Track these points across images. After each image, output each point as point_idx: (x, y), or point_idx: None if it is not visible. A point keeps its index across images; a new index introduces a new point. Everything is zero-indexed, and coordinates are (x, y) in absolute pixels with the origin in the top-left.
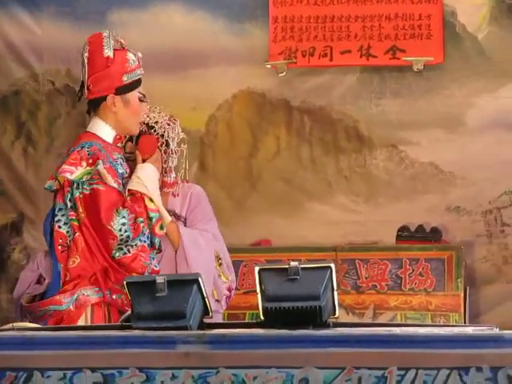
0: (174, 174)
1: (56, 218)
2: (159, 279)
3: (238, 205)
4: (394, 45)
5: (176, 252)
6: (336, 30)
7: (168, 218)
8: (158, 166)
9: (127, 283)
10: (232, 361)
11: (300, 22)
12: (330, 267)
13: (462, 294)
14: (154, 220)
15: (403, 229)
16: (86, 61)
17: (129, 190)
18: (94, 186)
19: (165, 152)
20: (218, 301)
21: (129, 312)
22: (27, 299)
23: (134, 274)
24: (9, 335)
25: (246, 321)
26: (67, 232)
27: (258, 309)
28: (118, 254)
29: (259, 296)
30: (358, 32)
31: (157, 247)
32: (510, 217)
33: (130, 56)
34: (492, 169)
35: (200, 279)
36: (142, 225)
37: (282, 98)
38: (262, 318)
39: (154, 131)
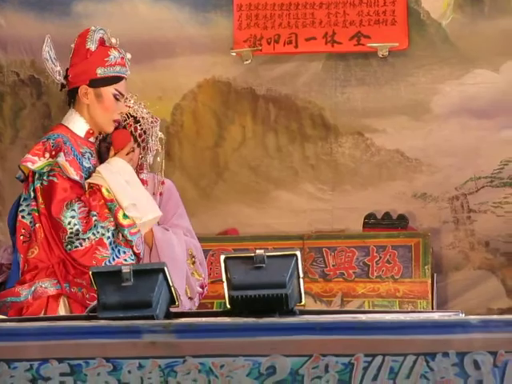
0: (146, 172)
1: (20, 208)
2: (125, 269)
3: (205, 194)
4: (359, 31)
5: (150, 251)
6: (301, 16)
7: (155, 213)
8: (132, 159)
9: (93, 273)
10: (199, 350)
11: (265, 10)
12: (295, 255)
13: (430, 281)
14: (113, 210)
15: (370, 216)
16: (71, 52)
17: (88, 183)
18: (51, 178)
19: (143, 148)
20: (190, 298)
21: (95, 302)
22: None
23: (87, 268)
24: None
25: (214, 310)
26: (30, 222)
27: (225, 298)
28: (68, 247)
29: (225, 284)
30: (322, 19)
31: (128, 239)
32: (476, 203)
33: (113, 52)
34: (458, 155)
35: (166, 268)
36: (94, 218)
37: (248, 87)
38: (229, 306)
39: (139, 125)
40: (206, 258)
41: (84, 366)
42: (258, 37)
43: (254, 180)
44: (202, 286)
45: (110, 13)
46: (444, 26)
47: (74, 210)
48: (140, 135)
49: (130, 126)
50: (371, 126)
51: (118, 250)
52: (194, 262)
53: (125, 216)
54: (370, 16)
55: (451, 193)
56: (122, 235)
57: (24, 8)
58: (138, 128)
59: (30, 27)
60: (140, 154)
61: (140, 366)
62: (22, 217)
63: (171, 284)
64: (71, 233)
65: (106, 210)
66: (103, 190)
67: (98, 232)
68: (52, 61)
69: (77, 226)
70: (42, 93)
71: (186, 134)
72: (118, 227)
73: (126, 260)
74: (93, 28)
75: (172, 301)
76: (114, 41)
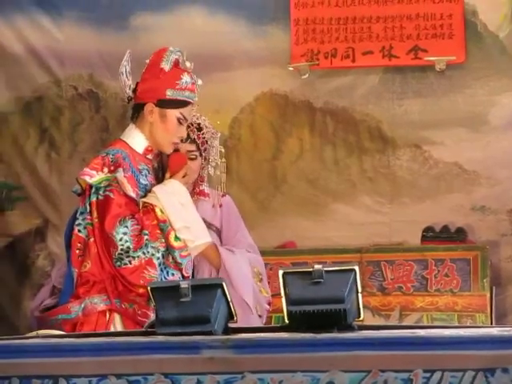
0: (207, 184)
1: (77, 222)
2: (183, 284)
3: (263, 207)
4: (416, 45)
5: (217, 273)
6: (357, 31)
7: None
8: (188, 182)
9: (151, 288)
10: (257, 365)
11: (321, 24)
12: (354, 270)
13: (488, 294)
14: (165, 231)
15: (428, 229)
16: (144, 67)
17: (142, 202)
18: (107, 193)
19: (205, 158)
20: (260, 316)
21: (153, 318)
22: (41, 310)
23: (134, 286)
24: (34, 343)
25: (272, 324)
26: (85, 236)
27: (283, 312)
28: (118, 264)
29: (283, 299)
30: (379, 33)
31: (178, 261)
32: None
33: (185, 76)
34: None
35: (224, 283)
36: (145, 237)
37: (305, 100)
38: (287, 321)
39: (202, 133)
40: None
41: (142, 381)
42: (315, 51)
43: (312, 193)
44: (268, 303)
45: (167, 26)
46: (501, 38)
47: (126, 226)
48: (202, 143)
49: (193, 132)
50: (429, 139)
51: (167, 272)
52: (260, 280)
53: (176, 238)
54: (427, 29)
55: (510, 205)
56: (172, 257)
57: (82, 22)
58: (201, 136)
59: (88, 41)
60: (202, 164)
61: (198, 382)
62: (78, 230)
63: (229, 299)
64: (122, 249)
65: (158, 231)
66: (157, 210)
67: (148, 252)
68: (126, 75)
69: (128, 243)
70: (100, 106)
71: (244, 147)
72: (169, 249)
73: None
74: (171, 48)
75: (230, 316)
76: (188, 64)
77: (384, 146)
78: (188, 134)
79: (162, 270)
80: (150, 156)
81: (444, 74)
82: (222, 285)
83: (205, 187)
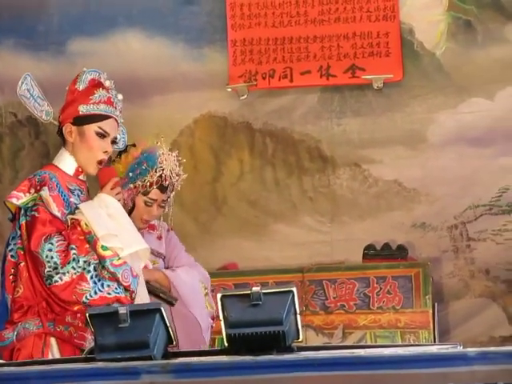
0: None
1: (9, 248)
2: (121, 309)
3: (204, 229)
4: (353, 63)
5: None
6: (295, 51)
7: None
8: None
9: (89, 315)
10: None
11: (259, 45)
12: (291, 291)
13: (431, 311)
14: (91, 242)
15: (369, 247)
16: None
17: (69, 218)
18: (33, 213)
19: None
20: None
21: (92, 344)
22: None
23: (67, 303)
24: None
25: (216, 346)
26: (17, 261)
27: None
28: (48, 282)
29: (222, 322)
30: (317, 52)
31: (111, 271)
32: (476, 231)
33: (99, 91)
34: (455, 184)
35: (162, 308)
36: (72, 251)
37: (244, 121)
38: (226, 344)
39: (178, 177)
40: None
41: None
42: (253, 72)
43: (253, 214)
44: (212, 318)
45: (104, 51)
46: (438, 56)
47: (51, 243)
48: (173, 189)
49: (170, 182)
50: (368, 157)
51: (102, 284)
52: (206, 294)
53: (104, 247)
54: (364, 48)
55: (450, 222)
56: (103, 267)
57: (19, 48)
58: (175, 184)
59: (26, 67)
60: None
61: None
62: (11, 256)
63: (168, 324)
64: (49, 266)
65: (87, 244)
66: (82, 224)
67: (80, 266)
68: (35, 99)
69: (54, 259)
70: (39, 132)
71: (184, 169)
72: (100, 259)
73: (109, 294)
74: (84, 69)
75: (170, 341)
76: (108, 83)
77: (324, 166)
78: (168, 185)
79: (95, 283)
80: (81, 177)
81: (382, 92)
82: (160, 310)
83: (156, 221)
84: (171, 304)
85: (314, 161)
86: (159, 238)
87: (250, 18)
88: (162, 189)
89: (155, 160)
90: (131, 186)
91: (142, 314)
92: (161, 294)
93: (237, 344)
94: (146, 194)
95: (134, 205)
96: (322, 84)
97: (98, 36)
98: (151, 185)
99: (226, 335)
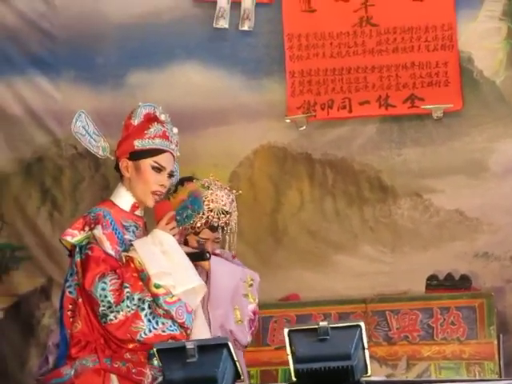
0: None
1: (67, 284)
2: (189, 345)
3: (265, 260)
4: (412, 93)
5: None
6: (353, 81)
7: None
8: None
9: (157, 350)
10: None
11: (317, 75)
12: (359, 325)
13: (496, 342)
14: (144, 280)
15: (432, 278)
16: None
17: (124, 256)
18: (87, 251)
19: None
20: (240, 321)
21: (160, 379)
22: (38, 377)
23: (122, 341)
24: None
25: (279, 378)
26: (76, 297)
27: (289, 366)
28: (103, 320)
29: (290, 358)
30: (375, 82)
31: (165, 309)
32: None
33: (154, 126)
34: None
35: (229, 343)
36: (126, 290)
37: (303, 152)
38: (294, 379)
39: (229, 215)
40: (268, 325)
41: None
42: (311, 102)
43: (314, 244)
44: (254, 313)
45: (163, 83)
46: (498, 84)
47: (105, 282)
48: (226, 225)
49: (221, 220)
50: (429, 187)
51: (156, 322)
52: (251, 285)
53: (156, 285)
54: (423, 78)
55: None
56: (157, 305)
57: (79, 81)
58: (227, 222)
59: (85, 100)
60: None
61: None
62: (69, 292)
63: (236, 358)
64: (103, 305)
65: (141, 283)
66: (135, 262)
67: (134, 304)
68: (90, 136)
69: (108, 298)
70: (99, 165)
71: (244, 200)
72: (153, 297)
73: (164, 331)
74: (140, 104)
75: (237, 375)
76: (163, 117)
77: (384, 196)
78: (217, 225)
79: (149, 321)
80: (138, 212)
81: (441, 121)
82: (227, 344)
83: (216, 249)
84: (206, 258)
85: (374, 191)
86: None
87: (308, 49)
88: (212, 228)
89: (201, 203)
90: (180, 227)
91: (209, 349)
92: (192, 253)
93: (305, 379)
94: (196, 234)
95: (186, 243)
96: (380, 114)
97: (157, 68)
98: (200, 226)
99: (295, 370)
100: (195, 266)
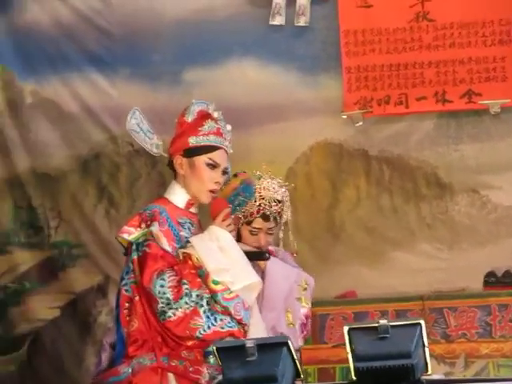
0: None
1: (123, 282)
2: (249, 343)
3: (322, 257)
4: (470, 89)
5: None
6: (410, 77)
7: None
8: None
9: (217, 348)
10: None
11: (374, 71)
12: (419, 323)
13: None
14: (203, 276)
15: (490, 274)
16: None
17: (181, 253)
18: (144, 248)
19: (277, 224)
20: (292, 324)
21: (220, 378)
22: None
23: (181, 338)
24: None
25: (337, 377)
26: (132, 295)
27: (347, 362)
28: (162, 317)
29: (349, 356)
30: (432, 78)
31: (223, 305)
32: None
33: (208, 123)
34: None
35: (289, 342)
36: (185, 286)
37: (360, 148)
38: (354, 377)
39: (281, 208)
40: (325, 323)
41: None
42: (368, 98)
43: (371, 241)
44: (306, 317)
45: (219, 80)
46: None
47: (163, 279)
48: (280, 216)
49: (276, 212)
50: (487, 183)
51: (215, 318)
52: (305, 289)
53: (215, 281)
54: (480, 73)
55: None
56: (215, 301)
57: (135, 78)
58: (281, 211)
59: (142, 97)
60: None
61: None
62: (125, 290)
63: (295, 357)
64: (162, 302)
65: (199, 279)
66: (193, 258)
67: (193, 301)
68: (145, 133)
69: (167, 295)
70: (156, 162)
71: (301, 197)
72: (211, 294)
73: (222, 328)
74: (193, 101)
75: (297, 374)
76: (216, 114)
77: (441, 192)
78: (269, 214)
79: (208, 317)
80: (192, 209)
81: (499, 117)
82: (287, 343)
83: (271, 245)
84: (265, 258)
85: (431, 187)
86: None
87: (364, 45)
88: (265, 217)
89: (252, 191)
90: (232, 216)
91: (269, 348)
92: (252, 252)
93: (365, 377)
94: (249, 223)
95: (239, 235)
96: (437, 110)
97: (213, 65)
98: (252, 214)
99: (355, 369)
100: (252, 264)
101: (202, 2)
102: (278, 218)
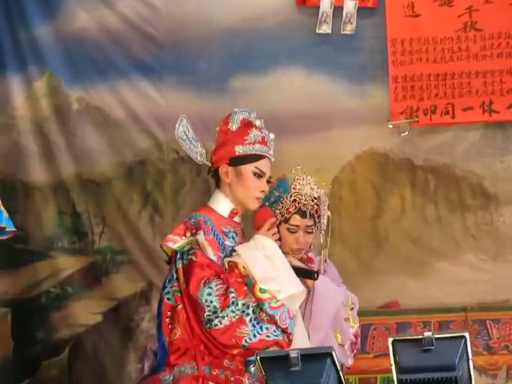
0: (313, 250)
1: (165, 290)
2: (293, 353)
3: (365, 266)
4: None
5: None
6: (457, 86)
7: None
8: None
9: (261, 358)
10: None
11: (420, 81)
12: (464, 336)
13: None
14: (249, 285)
15: None
16: (217, 134)
17: (227, 261)
18: (190, 257)
19: (317, 228)
20: (341, 345)
21: None
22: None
23: (227, 346)
24: None
25: None
26: (174, 303)
27: (389, 372)
28: (208, 326)
29: (393, 367)
30: (479, 88)
31: (269, 314)
32: None
33: (253, 131)
34: None
35: (333, 353)
36: (231, 295)
37: (405, 158)
38: None
39: (319, 207)
40: (368, 332)
41: None
42: (414, 108)
43: (415, 251)
44: (355, 336)
45: (266, 88)
46: None
47: (210, 287)
48: (318, 216)
49: (312, 207)
50: None
51: (260, 327)
52: (352, 309)
53: (262, 290)
54: None
55: None
56: (261, 310)
57: (181, 86)
58: (319, 210)
59: (188, 104)
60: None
61: None
62: (168, 298)
63: (339, 368)
64: (209, 310)
65: (245, 287)
66: (240, 267)
67: (239, 309)
68: (190, 141)
69: (214, 303)
70: (201, 169)
71: (345, 206)
72: (258, 302)
73: (268, 336)
74: (236, 109)
75: None
76: (258, 122)
77: (487, 203)
78: (306, 210)
79: (254, 326)
80: (236, 219)
81: None
82: (331, 354)
83: (311, 253)
84: (314, 277)
85: (476, 198)
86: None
87: (411, 54)
88: (302, 214)
89: (288, 186)
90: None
91: (313, 358)
92: (301, 268)
93: None
94: (286, 221)
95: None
96: (484, 120)
97: (260, 73)
98: (288, 211)
99: (398, 380)
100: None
101: (251, 9)
102: (316, 217)
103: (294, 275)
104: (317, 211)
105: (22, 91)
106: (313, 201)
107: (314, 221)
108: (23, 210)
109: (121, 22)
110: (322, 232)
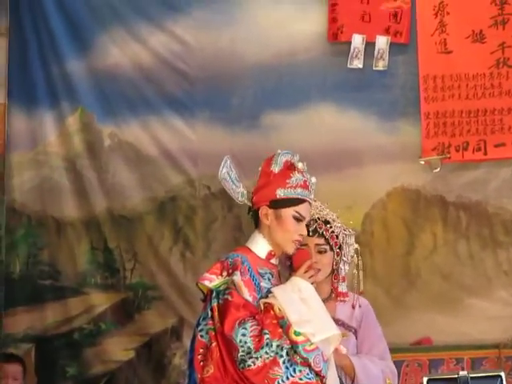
0: (345, 284)
1: (199, 327)
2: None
3: (397, 303)
4: None
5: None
6: (489, 123)
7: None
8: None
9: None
10: None
11: (452, 117)
12: (499, 376)
13: None
14: (284, 327)
15: None
16: (259, 174)
17: (262, 303)
18: (226, 296)
19: (337, 254)
20: None
21: None
22: None
23: None
24: None
25: None
26: (208, 341)
27: None
28: (241, 366)
29: None
30: (511, 124)
31: (303, 357)
32: None
33: (295, 175)
34: None
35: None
36: (266, 336)
37: (437, 194)
38: None
39: (330, 227)
40: (400, 369)
41: None
42: (446, 144)
43: (447, 287)
44: None
45: (297, 124)
46: None
47: (245, 328)
48: (332, 238)
49: (321, 227)
50: None
51: (294, 369)
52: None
53: (296, 333)
54: None
55: None
56: (295, 352)
57: (213, 122)
58: (329, 229)
59: (220, 141)
60: (334, 258)
61: None
62: (201, 336)
63: None
64: (243, 351)
65: (280, 329)
66: (275, 308)
67: (273, 351)
68: (233, 181)
69: (248, 344)
70: (232, 205)
71: (377, 242)
72: (292, 345)
73: (301, 379)
74: (279, 151)
75: None
76: (300, 165)
77: None
78: (316, 229)
79: (287, 368)
80: (273, 261)
81: None
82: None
83: (343, 287)
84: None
85: (508, 234)
86: (353, 306)
87: (443, 91)
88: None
89: None
90: None
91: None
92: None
93: None
94: None
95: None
96: None
97: (291, 109)
98: None
99: None
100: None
101: (283, 45)
102: (330, 238)
103: (330, 318)
104: (327, 231)
105: (55, 127)
106: (325, 221)
107: (327, 241)
108: (53, 245)
109: (153, 57)
110: (347, 261)
